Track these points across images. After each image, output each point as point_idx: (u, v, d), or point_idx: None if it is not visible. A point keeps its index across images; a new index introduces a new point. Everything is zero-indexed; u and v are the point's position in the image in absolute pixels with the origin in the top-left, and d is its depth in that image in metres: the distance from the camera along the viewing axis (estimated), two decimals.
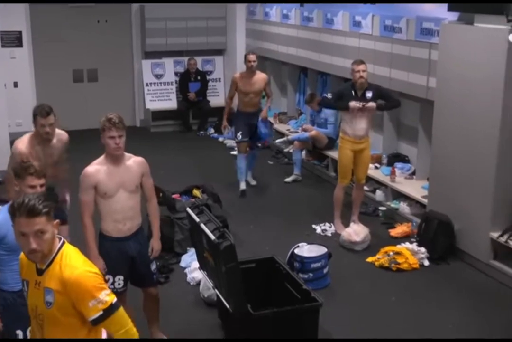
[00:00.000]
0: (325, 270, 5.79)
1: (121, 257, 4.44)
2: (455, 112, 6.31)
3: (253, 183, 8.62)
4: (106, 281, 3.96)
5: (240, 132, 8.15)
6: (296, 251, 5.84)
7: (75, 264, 2.71)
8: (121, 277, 4.46)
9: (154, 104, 11.93)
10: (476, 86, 6.00)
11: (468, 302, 5.56)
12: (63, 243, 2.83)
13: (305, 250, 5.86)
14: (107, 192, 4.32)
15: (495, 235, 5.96)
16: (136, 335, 2.88)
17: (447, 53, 6.40)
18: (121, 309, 2.79)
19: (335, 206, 7.03)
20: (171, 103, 11.98)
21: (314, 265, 5.72)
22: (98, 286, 2.69)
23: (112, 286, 4.34)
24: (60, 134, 5.34)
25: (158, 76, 12.04)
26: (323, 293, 5.17)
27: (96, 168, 4.36)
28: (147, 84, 11.97)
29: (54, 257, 2.76)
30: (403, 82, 7.39)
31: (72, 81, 11.72)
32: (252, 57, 8.05)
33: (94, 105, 11.16)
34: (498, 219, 5.97)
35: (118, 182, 4.34)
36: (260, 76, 8.22)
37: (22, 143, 5.03)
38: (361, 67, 6.64)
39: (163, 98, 12.02)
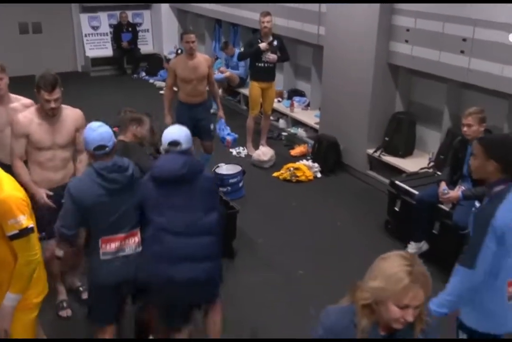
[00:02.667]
0: (240, 184, 5.83)
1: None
2: (339, 55, 6.30)
3: None
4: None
5: None
6: (216, 170, 5.83)
7: (5, 187, 2.50)
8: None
9: (92, 52, 11.36)
10: (356, 34, 5.97)
11: (352, 203, 5.74)
12: None
13: (224, 169, 5.87)
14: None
15: (370, 151, 6.15)
16: (40, 263, 2.65)
17: (333, 6, 6.31)
18: (34, 236, 2.57)
19: (247, 133, 7.00)
20: (107, 51, 11.41)
21: (231, 181, 5.74)
22: (20, 209, 2.49)
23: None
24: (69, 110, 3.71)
25: (94, 28, 11.40)
26: (239, 202, 5.21)
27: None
28: (85, 35, 11.33)
29: None
30: (298, 30, 7.28)
31: (18, 33, 10.88)
32: (190, 37, 5.51)
33: (39, 54, 10.51)
34: (372, 139, 6.13)
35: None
36: (202, 59, 5.64)
37: (23, 116, 3.58)
38: (267, 18, 6.47)
39: (100, 47, 11.43)
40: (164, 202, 2.96)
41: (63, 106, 3.61)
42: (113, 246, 2.96)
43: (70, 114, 3.65)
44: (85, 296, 3.85)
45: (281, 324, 3.86)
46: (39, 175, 3.62)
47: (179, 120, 5.56)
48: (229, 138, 6.86)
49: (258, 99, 6.81)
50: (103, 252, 2.95)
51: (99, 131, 2.94)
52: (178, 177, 2.95)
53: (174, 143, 3.03)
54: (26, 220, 2.51)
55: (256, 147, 6.94)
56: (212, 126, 5.82)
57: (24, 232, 2.51)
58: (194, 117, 5.63)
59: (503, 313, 2.55)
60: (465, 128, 4.10)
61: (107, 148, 2.93)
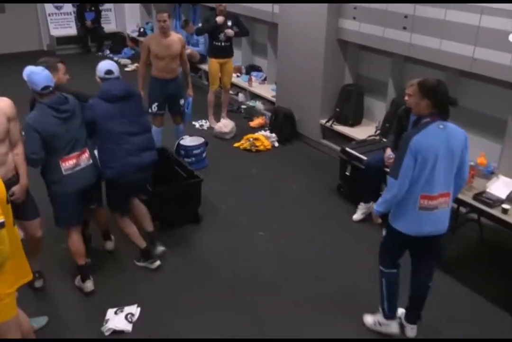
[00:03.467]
0: (203, 155, 5.82)
1: None
2: (293, 31, 6.27)
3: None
4: None
5: (155, 104, 5.58)
6: (181, 142, 5.80)
7: None
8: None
9: (57, 31, 10.95)
10: (308, 12, 5.94)
11: (307, 170, 5.82)
12: None
13: (188, 141, 5.83)
14: None
15: (323, 121, 6.21)
16: (6, 258, 2.37)
17: None
18: (3, 231, 2.30)
19: (209, 106, 6.96)
20: (71, 30, 11.03)
21: (195, 152, 5.72)
22: None
23: None
24: None
25: (58, 7, 10.94)
26: (203, 171, 5.21)
27: None
28: (49, 14, 10.90)
29: None
30: (254, 9, 7.18)
31: None
32: (163, 16, 5.35)
33: (4, 34, 10.06)
34: (325, 110, 6.19)
35: None
36: (175, 38, 5.49)
37: None
38: (223, 5, 6.41)
39: (64, 26, 11.03)
40: (118, 113, 3.67)
41: None
42: (71, 162, 3.49)
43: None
44: (38, 284, 3.78)
45: (245, 277, 3.97)
46: None
47: (151, 94, 5.60)
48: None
49: (217, 75, 6.76)
50: (64, 169, 3.47)
51: (44, 73, 3.36)
52: (124, 93, 3.70)
53: (109, 72, 3.77)
54: None
55: (217, 120, 6.91)
56: (182, 102, 5.75)
57: None
58: (166, 92, 5.57)
59: (413, 218, 3.01)
60: (406, 98, 4.19)
61: (51, 87, 3.38)
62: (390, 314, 3.31)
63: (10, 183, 3.18)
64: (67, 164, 3.48)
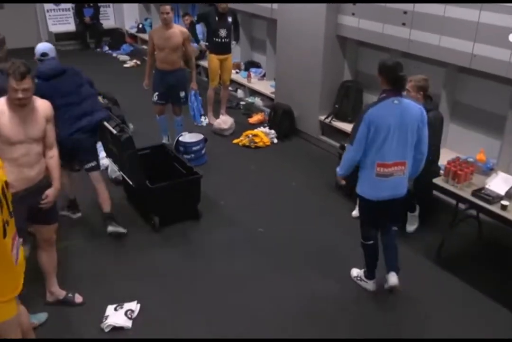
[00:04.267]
0: (203, 151, 5.81)
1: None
2: (292, 28, 6.25)
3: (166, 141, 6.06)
4: None
5: (156, 94, 5.78)
6: (180, 138, 5.78)
7: None
8: None
9: (55, 27, 10.93)
10: (307, 8, 5.92)
11: (306, 166, 5.80)
12: None
13: (187, 137, 5.81)
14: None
15: (322, 117, 6.20)
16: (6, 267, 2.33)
17: None
18: None
19: (208, 103, 6.93)
20: (70, 26, 11.00)
21: (194, 148, 5.71)
22: None
23: None
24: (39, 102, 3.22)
25: (56, 3, 10.86)
26: (202, 168, 5.19)
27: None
28: (47, 11, 10.86)
29: None
30: (254, 5, 7.15)
31: None
32: (165, 8, 5.45)
33: (2, 30, 9.85)
34: (324, 106, 6.17)
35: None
36: (176, 30, 5.56)
37: None
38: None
39: (63, 22, 11.01)
40: (56, 89, 3.97)
41: (35, 97, 3.16)
42: None
43: (40, 105, 3.20)
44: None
45: (245, 274, 3.96)
46: (16, 174, 3.03)
47: (153, 84, 5.84)
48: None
49: (217, 71, 6.73)
50: None
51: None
52: (55, 72, 4.04)
53: (44, 54, 4.24)
54: None
55: (216, 116, 6.89)
56: (183, 94, 5.81)
57: None
58: (166, 83, 5.70)
59: (373, 184, 3.44)
60: (405, 93, 4.18)
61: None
62: (369, 275, 3.81)
63: (41, 186, 3.15)
64: None
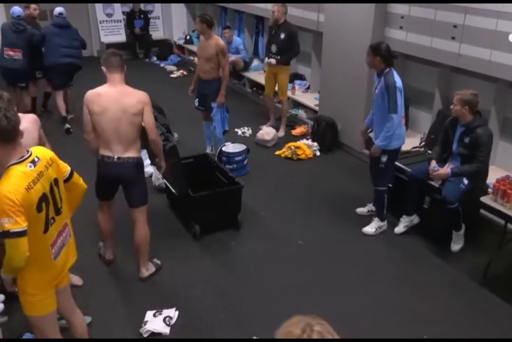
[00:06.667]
0: (245, 162, 5.84)
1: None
2: (338, 41, 6.23)
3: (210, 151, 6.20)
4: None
5: (196, 99, 6.01)
6: (223, 148, 5.83)
7: (2, 186, 2.25)
8: None
9: (107, 38, 11.28)
10: (354, 21, 5.90)
11: (348, 180, 5.74)
12: (14, 164, 2.31)
13: (230, 147, 5.86)
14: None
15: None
16: (14, 269, 2.38)
17: None
18: (15, 241, 2.26)
19: (282, 114, 6.98)
20: (121, 37, 11.33)
21: (237, 158, 5.75)
22: (5, 211, 2.21)
23: None
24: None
25: (109, 15, 11.28)
26: (244, 178, 5.21)
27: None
28: (100, 22, 11.23)
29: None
30: (300, 18, 7.19)
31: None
32: (196, 20, 5.80)
33: None
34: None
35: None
36: (212, 42, 5.59)
37: None
38: (275, 7, 6.46)
39: (114, 33, 11.35)
40: (59, 34, 6.74)
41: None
42: None
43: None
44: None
45: (283, 285, 3.93)
46: None
47: (196, 91, 6.05)
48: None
49: (267, 81, 6.91)
50: None
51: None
52: (63, 24, 6.79)
53: (60, 14, 6.80)
54: (9, 224, 2.22)
55: (276, 129, 6.87)
56: (214, 105, 5.82)
57: (3, 235, 2.25)
58: (201, 90, 5.92)
59: (402, 133, 4.35)
60: (451, 106, 4.11)
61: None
62: (385, 217, 4.62)
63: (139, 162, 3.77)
64: None
